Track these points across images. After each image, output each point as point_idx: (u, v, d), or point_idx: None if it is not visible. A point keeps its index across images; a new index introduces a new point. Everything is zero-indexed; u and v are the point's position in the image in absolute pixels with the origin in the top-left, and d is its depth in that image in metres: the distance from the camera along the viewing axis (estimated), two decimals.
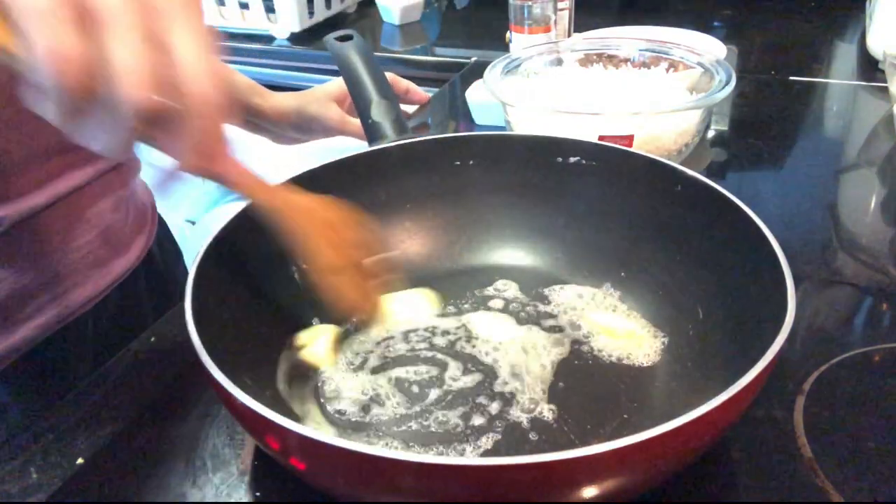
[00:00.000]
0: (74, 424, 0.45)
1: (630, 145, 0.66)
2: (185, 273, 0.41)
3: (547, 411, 0.43)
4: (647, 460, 0.31)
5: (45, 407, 0.47)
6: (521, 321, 0.52)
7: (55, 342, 0.57)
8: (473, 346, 0.49)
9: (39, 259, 0.54)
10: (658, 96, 0.75)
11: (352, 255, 0.47)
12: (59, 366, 0.59)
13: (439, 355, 0.48)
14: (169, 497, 0.40)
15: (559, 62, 0.83)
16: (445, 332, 0.50)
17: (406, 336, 0.50)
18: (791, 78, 0.99)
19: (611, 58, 0.82)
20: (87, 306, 0.59)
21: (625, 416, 0.43)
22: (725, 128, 0.87)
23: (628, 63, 0.81)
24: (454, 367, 0.47)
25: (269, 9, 1.29)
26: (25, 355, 0.55)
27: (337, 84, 0.78)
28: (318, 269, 0.45)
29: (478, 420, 0.43)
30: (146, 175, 0.69)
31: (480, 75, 0.77)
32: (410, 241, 0.58)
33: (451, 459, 0.37)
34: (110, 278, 0.61)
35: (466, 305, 0.54)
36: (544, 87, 0.79)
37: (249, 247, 0.48)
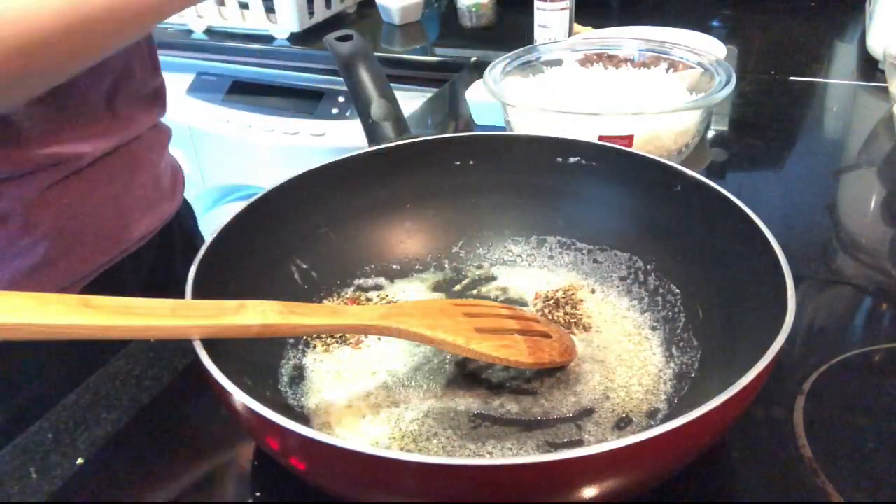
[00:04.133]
0: (74, 424, 0.45)
1: (630, 145, 0.66)
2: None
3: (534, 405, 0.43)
4: (647, 460, 0.31)
5: (39, 401, 0.48)
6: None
7: (113, 274, 0.64)
8: None
9: (110, 197, 0.62)
10: (658, 96, 0.75)
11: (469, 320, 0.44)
12: (58, 362, 0.60)
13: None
14: (169, 497, 0.40)
15: (559, 62, 0.83)
16: None
17: None
18: (791, 78, 0.99)
19: (611, 58, 0.82)
20: (139, 243, 0.66)
21: (619, 419, 0.43)
22: (725, 128, 0.87)
23: (628, 63, 0.81)
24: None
25: (269, 9, 1.29)
26: (86, 287, 0.61)
27: None
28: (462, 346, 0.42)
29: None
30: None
31: (480, 75, 0.77)
32: (410, 241, 0.58)
33: (452, 459, 0.37)
34: (157, 220, 0.68)
35: None
36: (544, 87, 0.79)
37: (249, 246, 0.48)
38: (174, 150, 0.75)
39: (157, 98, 0.69)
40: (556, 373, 0.46)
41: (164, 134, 0.72)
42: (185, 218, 0.77)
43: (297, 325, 0.39)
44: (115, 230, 0.63)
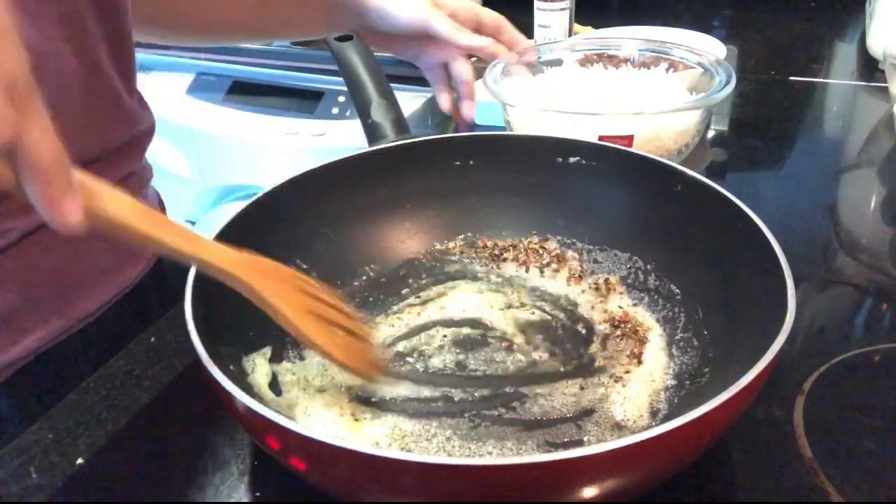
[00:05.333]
0: (74, 424, 0.45)
1: (630, 145, 0.66)
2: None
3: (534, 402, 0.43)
4: (647, 460, 0.31)
5: (39, 401, 0.47)
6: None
7: (59, 352, 0.57)
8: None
9: (48, 271, 0.54)
10: (658, 96, 0.75)
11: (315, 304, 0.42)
12: (63, 375, 0.58)
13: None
14: (169, 497, 0.40)
15: (559, 62, 0.83)
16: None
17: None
18: (791, 78, 0.99)
19: (611, 58, 0.82)
20: (93, 315, 0.59)
21: (619, 419, 0.43)
22: (725, 128, 0.87)
23: (628, 63, 0.81)
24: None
25: None
26: (28, 365, 0.55)
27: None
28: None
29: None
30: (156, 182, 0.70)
31: (480, 75, 0.77)
32: (410, 241, 0.58)
33: (452, 459, 0.37)
34: (118, 287, 0.61)
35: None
36: (544, 87, 0.79)
37: (249, 247, 0.48)
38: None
39: (133, 147, 0.60)
40: (556, 372, 0.46)
41: (136, 183, 0.63)
42: (165, 267, 0.68)
43: (141, 234, 0.34)
44: (56, 307, 0.55)
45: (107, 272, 0.59)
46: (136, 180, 0.63)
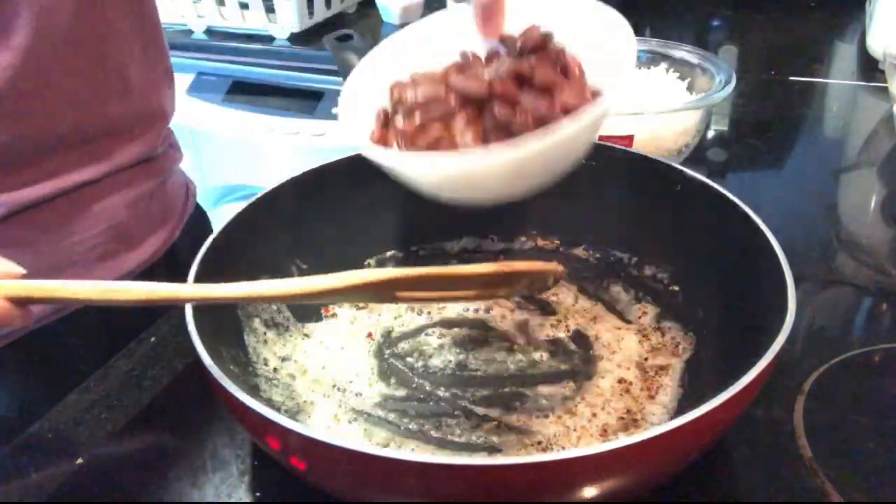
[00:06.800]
0: (74, 424, 0.45)
1: (630, 145, 0.66)
2: None
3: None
4: (648, 460, 0.31)
5: (40, 399, 0.46)
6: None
7: (52, 333, 0.57)
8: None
9: (37, 248, 0.54)
10: (658, 96, 0.75)
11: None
12: (59, 356, 0.58)
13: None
14: (169, 497, 0.40)
15: None
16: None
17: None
18: (791, 78, 0.99)
19: None
20: (77, 304, 0.57)
21: (623, 415, 0.43)
22: (725, 128, 0.87)
23: None
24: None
25: (269, 9, 1.29)
26: (16, 342, 0.55)
27: None
28: None
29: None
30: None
31: None
32: (411, 241, 0.58)
33: (452, 459, 0.37)
34: (119, 272, 0.60)
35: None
36: None
37: (250, 246, 0.48)
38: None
39: (144, 126, 0.59)
40: (557, 372, 0.46)
41: (155, 166, 0.61)
42: (181, 254, 0.65)
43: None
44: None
45: (104, 257, 0.58)
46: (153, 167, 0.61)
